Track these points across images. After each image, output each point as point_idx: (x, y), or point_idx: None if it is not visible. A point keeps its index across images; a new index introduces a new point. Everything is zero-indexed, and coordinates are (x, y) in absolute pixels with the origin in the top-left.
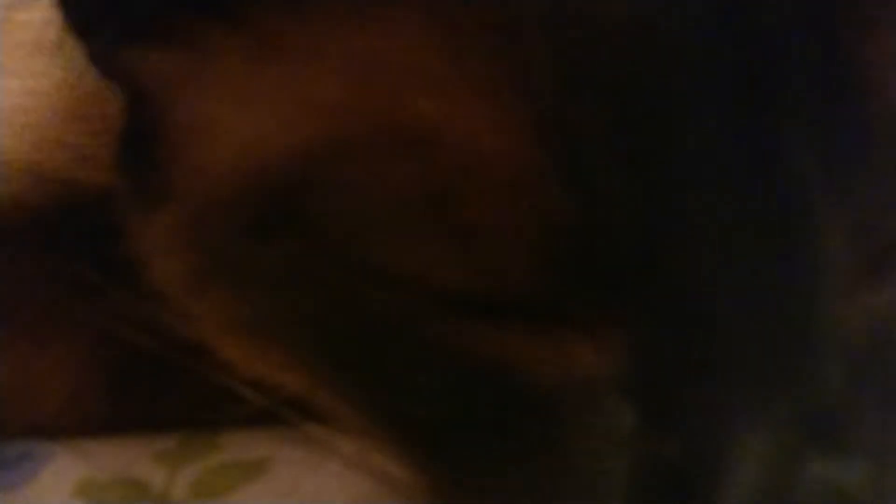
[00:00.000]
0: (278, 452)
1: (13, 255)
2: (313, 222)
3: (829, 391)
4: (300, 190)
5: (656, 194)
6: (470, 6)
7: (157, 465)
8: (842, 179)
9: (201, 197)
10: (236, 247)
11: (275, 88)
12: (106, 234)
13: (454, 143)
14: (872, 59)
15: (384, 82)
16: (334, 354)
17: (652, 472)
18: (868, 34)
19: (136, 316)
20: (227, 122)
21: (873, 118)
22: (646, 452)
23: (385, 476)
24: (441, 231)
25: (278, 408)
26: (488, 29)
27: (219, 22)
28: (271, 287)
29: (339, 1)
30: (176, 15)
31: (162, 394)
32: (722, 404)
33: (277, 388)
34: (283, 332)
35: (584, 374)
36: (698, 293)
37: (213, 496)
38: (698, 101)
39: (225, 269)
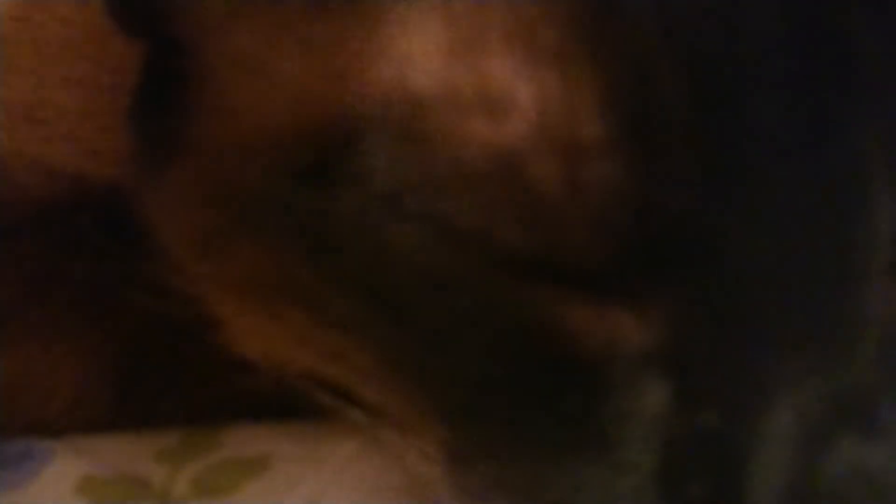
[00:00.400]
0: (280, 448)
1: (21, 251)
2: (373, 173)
3: (863, 372)
4: (361, 139)
5: (718, 173)
6: None
7: (159, 463)
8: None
9: (239, 142)
10: (278, 197)
11: (340, 37)
12: (115, 228)
13: (525, 106)
14: None
15: (458, 38)
16: (375, 313)
17: (686, 445)
18: None
19: (143, 284)
20: (283, 65)
21: None
22: (681, 425)
23: (399, 458)
24: (506, 190)
25: (288, 384)
26: None
27: None
28: (314, 241)
29: None
30: None
31: (168, 390)
32: (758, 379)
33: (287, 364)
34: (315, 293)
35: (627, 347)
36: (742, 268)
37: (215, 494)
38: (770, 86)
39: (256, 223)
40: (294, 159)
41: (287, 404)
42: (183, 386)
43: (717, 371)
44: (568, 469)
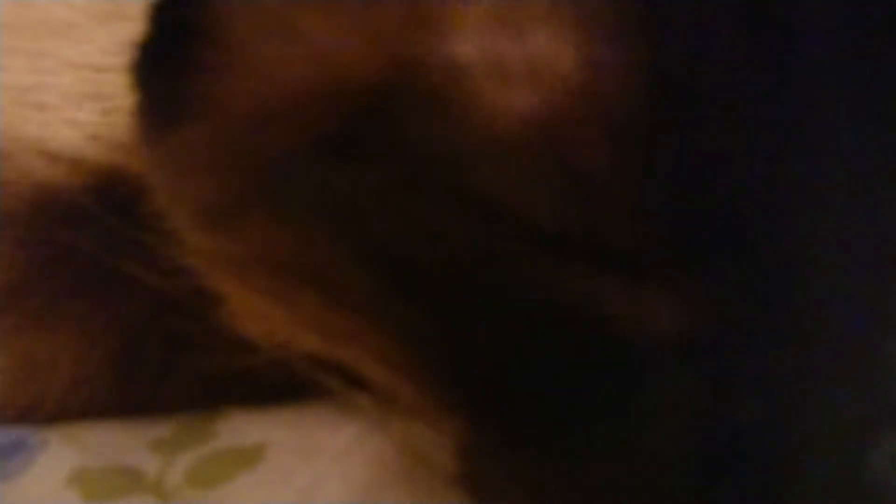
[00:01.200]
0: (276, 438)
1: (21, 236)
2: (403, 143)
3: None
4: (393, 106)
5: (761, 159)
6: None
7: (152, 453)
8: None
9: (259, 105)
10: (298, 167)
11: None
12: (115, 213)
13: (569, 77)
14: None
15: (504, 6)
16: (397, 293)
17: (725, 437)
18: None
19: (144, 262)
20: (311, 23)
21: None
22: (719, 416)
23: (406, 445)
24: (545, 163)
25: (290, 365)
26: None
27: None
28: (336, 215)
29: None
30: None
31: (166, 376)
32: (801, 373)
33: (291, 345)
34: (332, 271)
35: (663, 333)
36: (787, 259)
37: (209, 485)
38: (825, 70)
39: (272, 194)
40: (318, 126)
41: (284, 389)
42: (182, 372)
43: (756, 362)
44: (597, 460)
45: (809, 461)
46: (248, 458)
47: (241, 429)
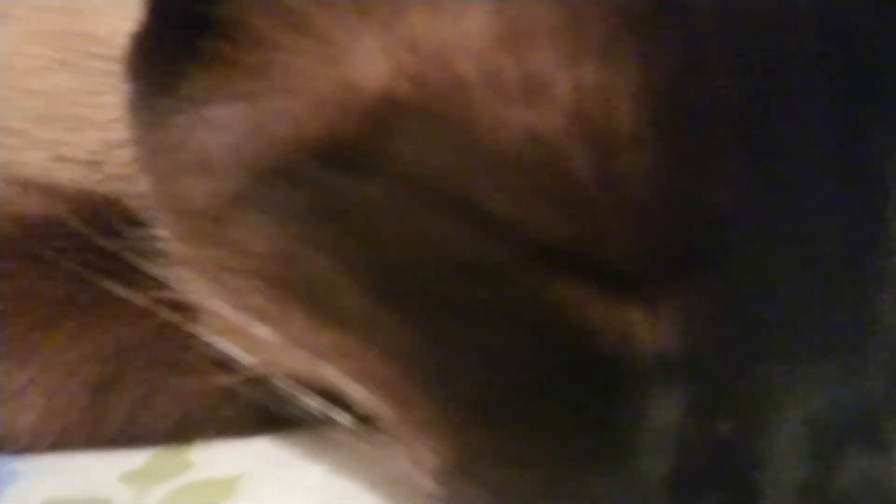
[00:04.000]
0: (251, 469)
1: None
2: (406, 157)
3: (873, 383)
4: (397, 120)
5: (746, 182)
6: None
7: (124, 485)
8: None
9: (264, 106)
10: (299, 175)
11: (389, 12)
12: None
13: (563, 96)
14: None
15: (507, 27)
16: (390, 308)
17: (700, 454)
18: None
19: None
20: (332, 33)
21: None
22: (695, 433)
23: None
24: (541, 177)
25: (269, 386)
26: None
27: None
28: (335, 226)
29: None
30: None
31: (143, 407)
32: (773, 388)
33: (272, 364)
34: (325, 285)
35: (643, 349)
36: (763, 274)
37: None
38: (811, 94)
39: (269, 200)
40: (323, 135)
41: (262, 420)
42: (160, 401)
43: (733, 379)
44: (579, 477)
45: (777, 481)
46: (221, 490)
47: (215, 460)
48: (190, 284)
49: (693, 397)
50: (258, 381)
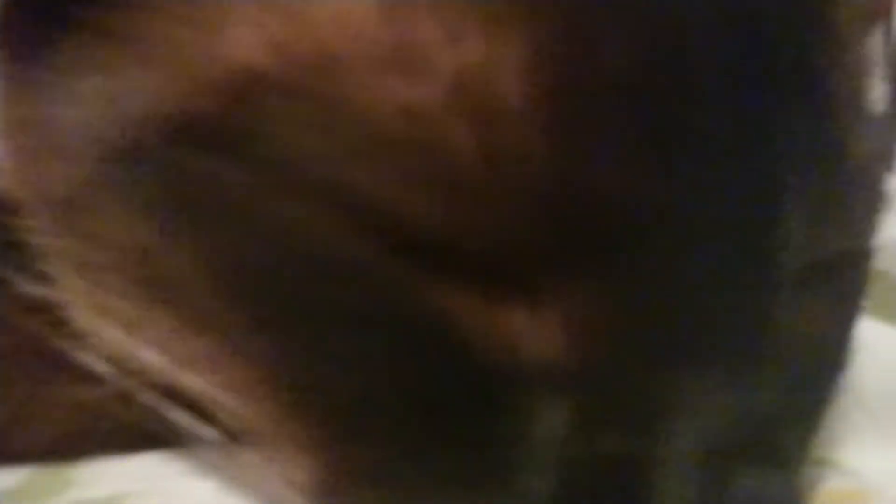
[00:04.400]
0: (134, 489)
1: None
2: (271, 135)
3: (771, 398)
4: (261, 96)
5: (644, 164)
6: None
7: None
8: (808, 179)
9: (118, 81)
10: (158, 156)
11: None
12: None
13: (444, 69)
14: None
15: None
16: (253, 313)
17: (585, 469)
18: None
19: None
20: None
21: (840, 130)
22: (580, 447)
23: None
24: (418, 158)
25: (135, 399)
26: None
27: None
28: (195, 214)
29: None
30: None
31: (17, 424)
32: (663, 398)
33: (137, 373)
34: (186, 284)
35: (523, 357)
36: (654, 270)
37: None
38: (709, 77)
39: (121, 184)
40: (182, 113)
41: (144, 438)
42: (36, 419)
43: (620, 387)
44: (456, 495)
45: (669, 494)
46: None
47: (98, 479)
48: (60, 283)
49: (580, 409)
50: (126, 395)
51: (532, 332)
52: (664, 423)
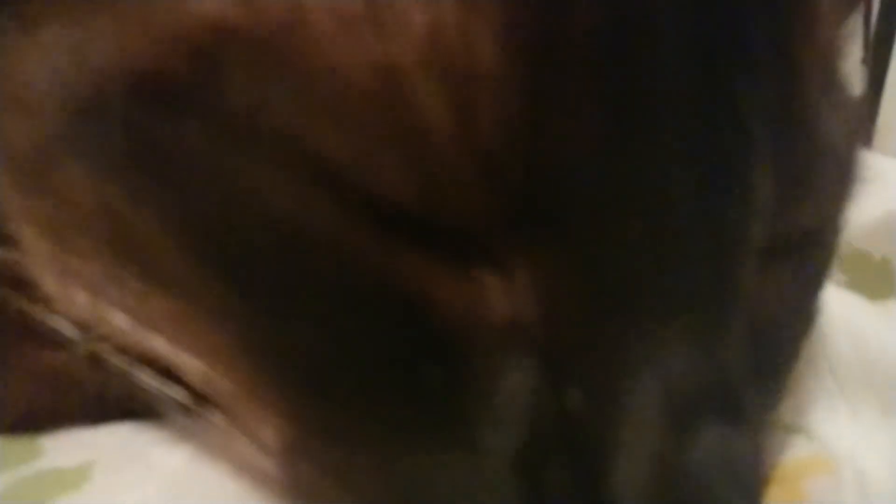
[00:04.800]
0: (105, 457)
1: None
2: (231, 93)
3: (729, 356)
4: (225, 51)
5: (610, 130)
6: None
7: None
8: (775, 152)
9: (76, 35)
10: (115, 114)
11: None
12: None
13: (417, 27)
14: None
15: None
16: (215, 273)
17: (549, 426)
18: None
19: None
20: None
21: (806, 107)
22: (546, 404)
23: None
24: (387, 119)
25: (102, 361)
26: None
27: None
28: (154, 175)
29: None
30: None
31: None
32: (625, 355)
33: (104, 336)
34: (149, 244)
35: (490, 317)
36: (619, 233)
37: None
38: (676, 47)
39: (82, 140)
40: (146, 68)
41: (114, 407)
42: (1, 391)
43: (584, 345)
44: (422, 454)
45: (626, 455)
46: (72, 478)
47: (67, 448)
48: (25, 245)
49: (547, 367)
50: (95, 360)
51: (501, 294)
52: (626, 378)
